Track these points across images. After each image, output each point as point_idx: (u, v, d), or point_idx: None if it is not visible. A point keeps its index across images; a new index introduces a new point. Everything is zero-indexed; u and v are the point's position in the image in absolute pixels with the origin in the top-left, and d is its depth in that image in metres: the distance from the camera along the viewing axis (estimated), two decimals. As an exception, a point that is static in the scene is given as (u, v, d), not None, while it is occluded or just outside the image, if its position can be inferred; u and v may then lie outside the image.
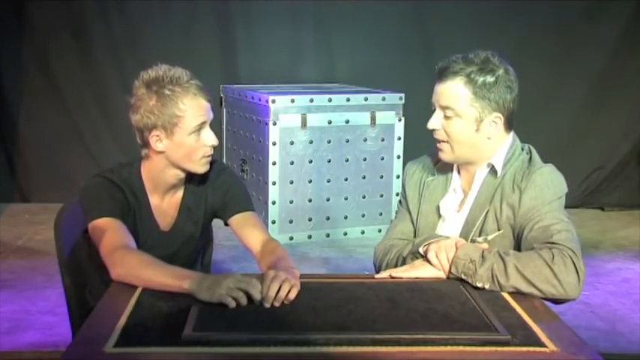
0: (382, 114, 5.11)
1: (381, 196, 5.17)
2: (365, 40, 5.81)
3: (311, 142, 4.99)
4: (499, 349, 1.62)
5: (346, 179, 5.12)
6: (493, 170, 2.21)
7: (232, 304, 1.80)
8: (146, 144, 2.23)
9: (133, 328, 1.70)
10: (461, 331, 1.68)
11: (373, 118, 5.10)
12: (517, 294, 1.95)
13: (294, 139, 4.95)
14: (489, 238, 2.15)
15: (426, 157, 2.41)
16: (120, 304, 1.84)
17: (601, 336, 3.51)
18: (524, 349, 1.63)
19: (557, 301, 2.01)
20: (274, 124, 4.89)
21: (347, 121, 5.06)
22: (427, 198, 2.33)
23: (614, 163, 5.98)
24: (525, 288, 1.95)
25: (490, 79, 2.14)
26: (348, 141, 5.08)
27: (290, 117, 4.93)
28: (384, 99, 5.14)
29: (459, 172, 2.31)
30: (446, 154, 2.21)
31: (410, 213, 2.37)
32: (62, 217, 2.42)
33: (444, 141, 2.19)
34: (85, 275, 2.41)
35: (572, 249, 2.00)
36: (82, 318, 2.22)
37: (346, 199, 5.15)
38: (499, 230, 2.16)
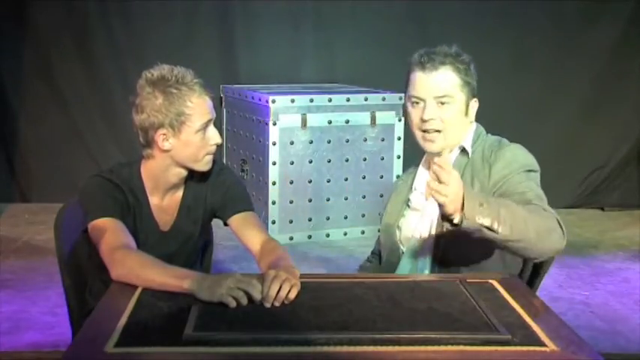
0: (382, 114, 5.12)
1: (381, 196, 5.15)
2: (365, 40, 5.81)
3: (311, 142, 4.99)
4: (499, 348, 1.63)
5: (346, 179, 5.12)
6: (464, 151, 2.30)
7: (233, 303, 1.80)
8: (150, 143, 2.23)
9: (133, 328, 1.70)
10: (461, 331, 1.69)
11: (373, 118, 5.10)
12: (518, 294, 1.95)
13: (294, 139, 4.95)
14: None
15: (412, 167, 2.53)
16: (120, 304, 1.84)
17: (601, 336, 3.51)
18: (524, 348, 1.63)
19: (537, 256, 2.04)
20: (274, 124, 4.89)
21: (347, 121, 5.06)
22: (393, 198, 2.47)
23: (614, 163, 5.98)
24: (530, 233, 1.94)
25: (467, 67, 2.28)
26: (348, 141, 5.08)
27: (290, 117, 4.93)
28: (384, 99, 5.15)
29: (428, 166, 2.35)
30: (437, 143, 2.26)
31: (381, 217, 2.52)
32: (62, 217, 2.42)
33: (437, 130, 2.24)
34: (85, 275, 2.41)
35: (553, 212, 2.05)
36: (82, 318, 2.23)
37: (346, 199, 5.15)
38: None
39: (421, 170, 2.41)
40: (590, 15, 5.82)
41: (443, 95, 2.23)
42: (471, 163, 2.27)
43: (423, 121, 2.24)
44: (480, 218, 1.90)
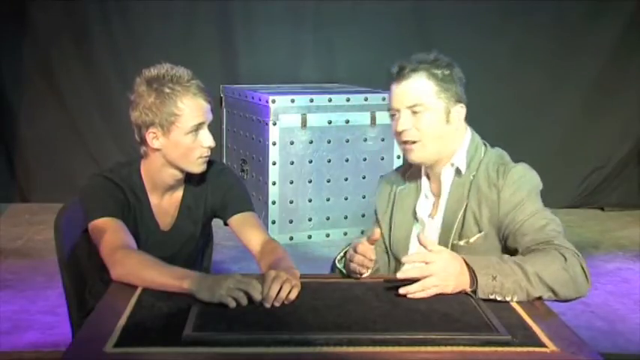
0: (382, 114, 5.10)
1: (381, 196, 5.16)
2: (365, 40, 5.81)
3: (311, 142, 4.99)
4: (499, 349, 1.63)
5: (346, 179, 5.12)
6: (458, 170, 2.20)
7: (232, 304, 1.80)
8: (143, 141, 2.23)
9: (133, 328, 1.70)
10: (461, 331, 1.69)
11: (373, 118, 5.10)
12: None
13: (294, 139, 4.95)
14: (471, 240, 2.14)
15: (395, 170, 2.44)
16: (120, 304, 1.84)
17: (601, 336, 3.51)
18: (525, 349, 1.63)
19: (564, 301, 2.00)
20: (274, 124, 4.89)
21: (347, 121, 5.06)
22: (399, 207, 2.32)
23: (614, 163, 5.97)
24: (546, 294, 1.94)
25: (446, 71, 2.17)
26: (348, 141, 5.08)
27: (290, 117, 4.93)
28: (384, 99, 5.13)
29: (427, 176, 2.28)
30: (416, 154, 2.17)
31: (380, 228, 2.35)
32: (62, 217, 2.42)
33: (414, 141, 2.16)
34: (85, 275, 2.41)
35: (575, 250, 2.01)
36: (82, 318, 2.23)
37: (346, 199, 5.15)
38: (480, 232, 2.14)
39: (424, 180, 2.29)
40: (591, 14, 5.81)
41: (415, 104, 2.13)
42: (476, 186, 2.15)
43: (398, 132, 2.17)
44: (494, 294, 1.89)
